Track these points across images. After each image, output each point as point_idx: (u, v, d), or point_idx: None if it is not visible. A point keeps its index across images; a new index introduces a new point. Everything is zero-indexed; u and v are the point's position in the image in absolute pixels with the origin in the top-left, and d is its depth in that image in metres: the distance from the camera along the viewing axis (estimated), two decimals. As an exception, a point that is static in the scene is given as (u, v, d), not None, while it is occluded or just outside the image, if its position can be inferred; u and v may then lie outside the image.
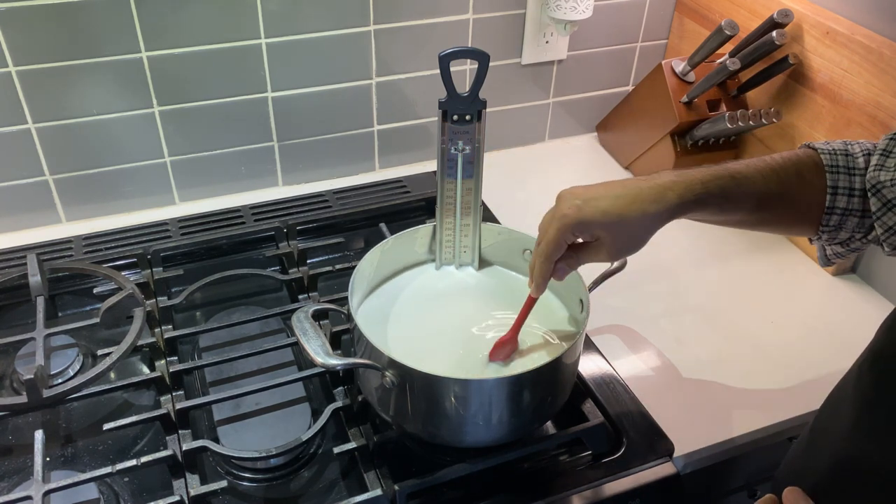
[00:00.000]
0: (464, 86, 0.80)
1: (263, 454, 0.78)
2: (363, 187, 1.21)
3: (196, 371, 0.90)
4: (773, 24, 1.08)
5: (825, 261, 0.82)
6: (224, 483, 0.76)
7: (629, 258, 0.85)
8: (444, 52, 0.76)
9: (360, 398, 0.84)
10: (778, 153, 0.76)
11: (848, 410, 0.62)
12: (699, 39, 1.16)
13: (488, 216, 1.16)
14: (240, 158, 1.18)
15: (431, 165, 1.25)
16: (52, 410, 0.87)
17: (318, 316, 0.78)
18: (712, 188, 0.72)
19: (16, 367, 0.89)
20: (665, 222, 0.73)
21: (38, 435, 0.79)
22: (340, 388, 0.88)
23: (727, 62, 1.09)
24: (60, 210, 1.13)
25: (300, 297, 1.00)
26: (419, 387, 0.72)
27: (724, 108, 1.17)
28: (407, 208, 1.17)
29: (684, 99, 1.16)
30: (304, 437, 0.79)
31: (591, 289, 0.82)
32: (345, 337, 0.93)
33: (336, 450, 0.79)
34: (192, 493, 0.75)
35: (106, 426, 0.80)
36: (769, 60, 1.11)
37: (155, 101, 1.08)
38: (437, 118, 0.81)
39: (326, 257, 1.10)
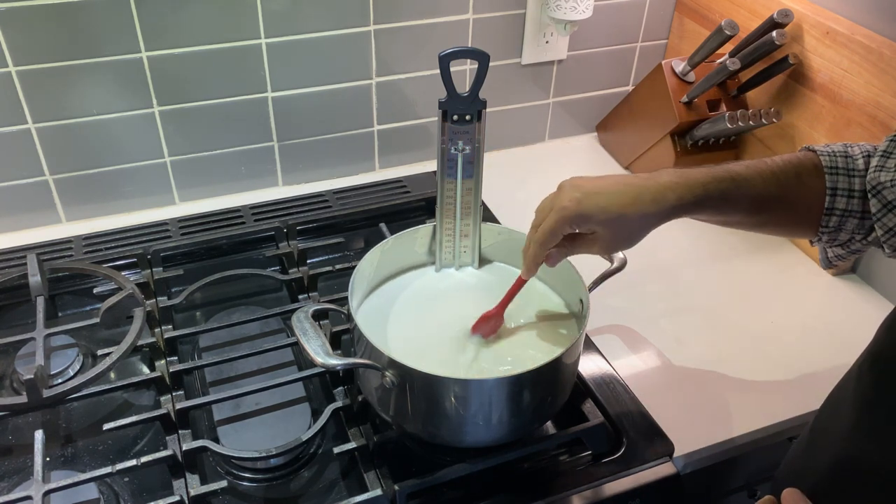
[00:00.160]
0: (464, 86, 0.80)
1: (263, 454, 0.78)
2: (363, 187, 1.21)
3: (196, 371, 0.90)
4: (773, 24, 1.08)
5: (827, 263, 0.82)
6: (224, 483, 0.76)
7: (629, 258, 0.86)
8: (444, 52, 0.76)
9: (360, 398, 0.84)
10: (778, 156, 0.76)
11: (848, 410, 0.62)
12: (699, 39, 1.16)
13: (488, 216, 1.16)
14: (240, 158, 1.18)
15: (431, 165, 1.25)
16: (52, 410, 0.87)
17: (318, 316, 0.78)
18: (712, 190, 0.72)
19: (16, 367, 0.89)
20: (663, 222, 0.73)
21: (38, 435, 0.79)
22: (340, 388, 0.88)
23: (727, 62, 1.09)
24: (60, 210, 1.13)
25: (300, 297, 1.00)
26: (419, 387, 0.72)
27: (724, 108, 1.17)
28: (407, 208, 1.17)
29: (684, 99, 1.16)
30: (304, 437, 0.79)
31: (591, 289, 0.82)
32: (345, 337, 0.93)
33: (336, 450, 0.79)
34: (192, 493, 0.75)
35: (106, 426, 0.80)
36: (769, 60, 1.11)
37: (155, 101, 1.08)
38: (437, 118, 0.81)
39: (326, 257, 1.10)
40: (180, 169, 1.15)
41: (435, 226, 0.88)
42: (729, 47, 1.15)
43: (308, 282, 1.01)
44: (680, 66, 1.18)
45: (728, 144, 1.21)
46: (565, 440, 0.83)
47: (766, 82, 1.12)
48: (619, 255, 0.86)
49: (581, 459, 0.82)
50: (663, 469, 0.82)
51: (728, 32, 1.10)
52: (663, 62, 1.19)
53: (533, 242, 0.75)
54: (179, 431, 0.82)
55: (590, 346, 0.95)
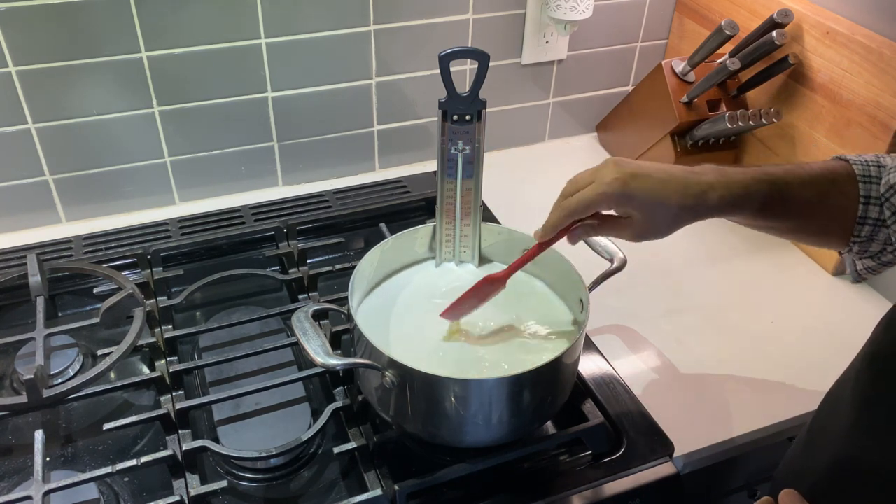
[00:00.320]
0: (464, 86, 0.80)
1: (263, 454, 0.78)
2: (363, 187, 1.21)
3: (196, 371, 0.90)
4: (773, 24, 1.08)
5: (856, 276, 0.81)
6: (224, 483, 0.76)
7: (629, 258, 0.86)
8: (444, 52, 0.76)
9: (360, 398, 0.84)
10: (815, 162, 0.75)
11: (846, 409, 0.62)
12: (699, 39, 1.16)
13: (488, 216, 1.16)
14: (240, 158, 1.18)
15: (431, 165, 1.25)
16: (52, 410, 0.87)
17: (318, 316, 0.78)
18: (753, 192, 0.71)
19: (16, 367, 0.89)
20: (699, 219, 0.72)
21: (38, 435, 0.79)
22: (340, 388, 0.88)
23: (727, 62, 1.09)
24: (60, 210, 1.13)
25: (300, 297, 1.00)
26: (419, 387, 0.72)
27: (724, 108, 1.17)
28: (407, 208, 1.17)
29: (684, 99, 1.16)
30: (304, 437, 0.79)
31: (591, 289, 0.82)
32: (345, 337, 0.93)
33: (336, 450, 0.79)
34: (192, 493, 0.75)
35: (106, 426, 0.80)
36: (769, 60, 1.11)
37: (155, 101, 1.08)
38: (437, 118, 0.81)
39: (326, 257, 1.10)
40: (180, 169, 1.15)
41: (435, 226, 0.88)
42: (729, 47, 1.15)
43: (308, 282, 1.01)
44: (680, 66, 1.18)
45: (728, 144, 1.21)
46: (565, 440, 0.83)
47: (766, 82, 1.12)
48: (619, 254, 0.86)
49: (581, 459, 0.82)
50: (663, 469, 0.82)
51: (728, 32, 1.10)
52: (663, 62, 1.19)
53: (560, 208, 0.72)
54: (179, 431, 0.82)
55: (590, 346, 0.95)
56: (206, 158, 1.16)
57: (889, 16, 0.99)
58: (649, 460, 0.82)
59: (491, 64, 0.77)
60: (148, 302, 0.97)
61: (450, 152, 0.82)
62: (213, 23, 1.05)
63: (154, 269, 1.04)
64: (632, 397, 0.88)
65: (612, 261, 0.86)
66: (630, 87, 1.37)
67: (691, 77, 1.18)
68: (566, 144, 1.38)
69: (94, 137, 1.08)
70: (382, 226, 1.10)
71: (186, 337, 0.94)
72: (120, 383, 0.87)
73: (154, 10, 1.01)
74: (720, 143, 1.21)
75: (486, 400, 0.73)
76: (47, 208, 1.12)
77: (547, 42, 1.25)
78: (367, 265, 0.85)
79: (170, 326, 0.96)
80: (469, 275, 0.90)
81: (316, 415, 0.84)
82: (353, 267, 0.83)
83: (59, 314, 1.01)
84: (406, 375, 0.71)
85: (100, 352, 0.89)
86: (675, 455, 0.83)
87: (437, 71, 0.77)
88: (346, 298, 0.79)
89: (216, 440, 0.81)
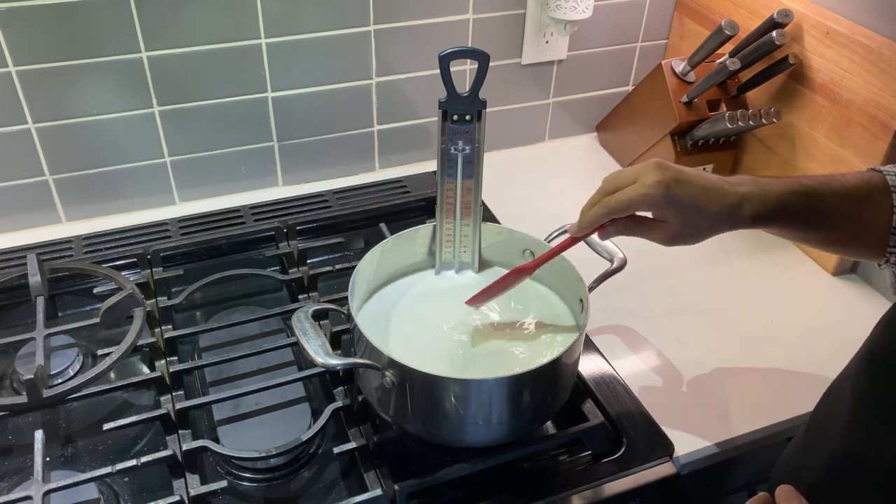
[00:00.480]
0: (464, 86, 0.80)
1: (263, 454, 0.78)
2: (363, 187, 1.21)
3: (196, 371, 0.90)
4: (773, 24, 1.08)
5: None
6: (224, 483, 0.76)
7: (629, 258, 0.86)
8: (444, 52, 0.76)
9: (360, 398, 0.84)
10: (849, 172, 0.74)
11: (845, 408, 0.62)
12: (699, 39, 1.16)
13: (488, 216, 1.16)
14: (240, 158, 1.18)
15: (431, 165, 1.25)
16: (52, 410, 0.87)
17: (318, 316, 0.78)
18: (787, 204, 0.71)
19: (16, 367, 0.89)
20: (732, 230, 0.72)
21: (38, 435, 0.79)
22: (340, 388, 0.88)
23: (727, 62, 1.09)
24: (60, 210, 1.13)
25: (300, 297, 1.00)
26: (419, 387, 0.72)
27: (724, 108, 1.17)
28: (407, 208, 1.17)
29: (684, 99, 1.16)
30: (304, 437, 0.79)
31: (591, 289, 0.82)
32: (345, 337, 0.93)
33: (336, 450, 0.79)
34: (192, 493, 0.75)
35: (106, 426, 0.80)
36: (769, 60, 1.11)
37: (155, 101, 1.08)
38: (437, 118, 0.81)
39: (326, 257, 1.10)
40: (180, 169, 1.15)
41: (435, 226, 0.88)
42: (729, 47, 1.15)
43: (308, 282, 1.01)
44: (680, 66, 1.18)
45: (728, 144, 1.21)
46: (565, 440, 0.83)
47: (766, 82, 1.12)
48: (619, 254, 0.86)
49: (581, 459, 0.82)
50: (663, 469, 0.82)
51: (728, 32, 1.10)
52: (663, 62, 1.19)
53: (600, 206, 0.72)
54: (179, 431, 0.82)
55: (590, 346, 0.95)
56: (206, 158, 1.16)
57: (889, 16, 0.99)
58: (649, 460, 0.82)
59: (491, 64, 0.77)
60: (148, 302, 0.97)
61: (450, 152, 0.82)
62: (213, 23, 1.05)
63: (154, 269, 1.04)
64: (632, 397, 0.88)
65: (612, 261, 0.86)
66: (630, 87, 1.37)
67: (691, 77, 1.18)
68: (566, 144, 1.38)
69: (94, 137, 1.08)
70: (382, 226, 1.10)
71: (186, 337, 0.94)
72: (120, 383, 0.87)
73: (154, 10, 1.01)
74: (720, 143, 1.21)
75: (486, 400, 0.73)
76: (47, 208, 1.12)
77: (547, 42, 1.25)
78: (368, 265, 0.85)
79: (170, 326, 0.96)
80: (469, 281, 0.90)
81: (316, 415, 0.84)
82: (353, 267, 0.83)
83: (59, 314, 1.01)
84: (406, 375, 0.71)
85: (100, 352, 0.89)
86: (675, 455, 0.83)
87: (437, 71, 0.77)
88: (346, 298, 0.79)
89: (216, 440, 0.81)
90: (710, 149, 1.21)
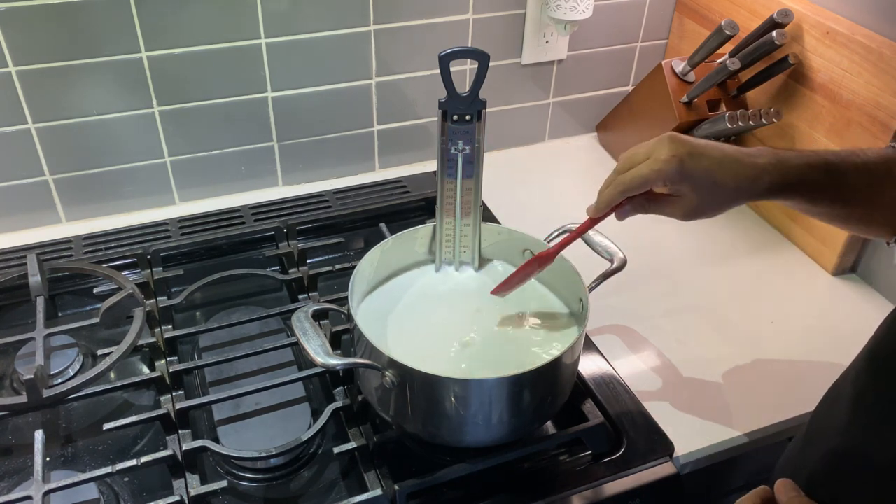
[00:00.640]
0: (464, 86, 0.80)
1: (263, 454, 0.78)
2: (363, 187, 1.21)
3: (196, 371, 0.90)
4: (773, 24, 1.08)
5: None
6: (224, 483, 0.76)
7: (629, 258, 0.86)
8: (444, 52, 0.76)
9: (360, 398, 0.84)
10: (870, 148, 0.74)
11: (845, 406, 0.62)
12: (699, 39, 1.16)
13: (488, 216, 1.16)
14: (240, 158, 1.18)
15: (431, 165, 1.25)
16: (52, 410, 0.87)
17: (318, 316, 0.78)
18: (806, 177, 0.70)
19: (16, 367, 0.89)
20: (750, 201, 0.72)
21: (38, 435, 0.79)
22: (340, 388, 0.88)
23: (727, 62, 1.09)
24: (60, 210, 1.13)
25: (300, 297, 1.00)
26: (419, 387, 0.72)
27: (724, 108, 1.17)
28: (407, 208, 1.17)
29: (684, 99, 1.16)
30: (304, 437, 0.79)
31: (591, 289, 0.82)
32: (345, 337, 0.93)
33: (336, 450, 0.79)
34: (192, 493, 0.75)
35: (106, 426, 0.80)
36: (769, 60, 1.11)
37: (155, 101, 1.08)
38: (437, 118, 0.81)
39: (326, 257, 1.10)
40: (180, 169, 1.15)
41: (435, 226, 0.88)
42: (729, 47, 1.15)
43: (308, 282, 1.01)
44: (680, 66, 1.18)
45: (728, 144, 1.21)
46: (565, 440, 0.83)
47: (766, 82, 1.12)
48: (619, 254, 0.86)
49: (581, 459, 0.82)
50: (663, 469, 0.82)
51: (728, 32, 1.10)
52: (663, 62, 1.19)
53: (615, 185, 0.72)
54: (179, 431, 0.82)
55: (590, 346, 0.95)
56: (206, 158, 1.16)
57: (889, 16, 0.99)
58: (649, 460, 0.82)
59: (491, 64, 0.77)
60: (148, 302, 0.97)
61: (450, 152, 0.82)
62: (213, 23, 1.05)
63: (154, 269, 1.04)
64: (632, 397, 0.88)
65: (612, 261, 0.86)
66: (630, 87, 1.37)
67: (691, 77, 1.18)
68: (566, 144, 1.38)
69: (94, 137, 1.08)
70: (382, 226, 1.10)
71: (186, 337, 0.94)
72: (120, 383, 0.87)
73: (154, 10, 1.01)
74: (720, 143, 1.21)
75: (486, 400, 0.73)
76: (47, 208, 1.12)
77: (547, 42, 1.25)
78: (367, 265, 0.85)
79: (170, 326, 0.96)
80: (469, 279, 0.90)
81: (316, 415, 0.84)
82: (353, 267, 0.83)
83: (59, 314, 1.01)
84: (406, 375, 0.71)
85: (100, 352, 0.89)
86: (675, 455, 0.83)
87: (437, 71, 0.77)
88: (346, 298, 0.79)
89: (216, 440, 0.81)
90: (710, 149, 1.21)
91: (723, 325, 1.00)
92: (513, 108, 1.31)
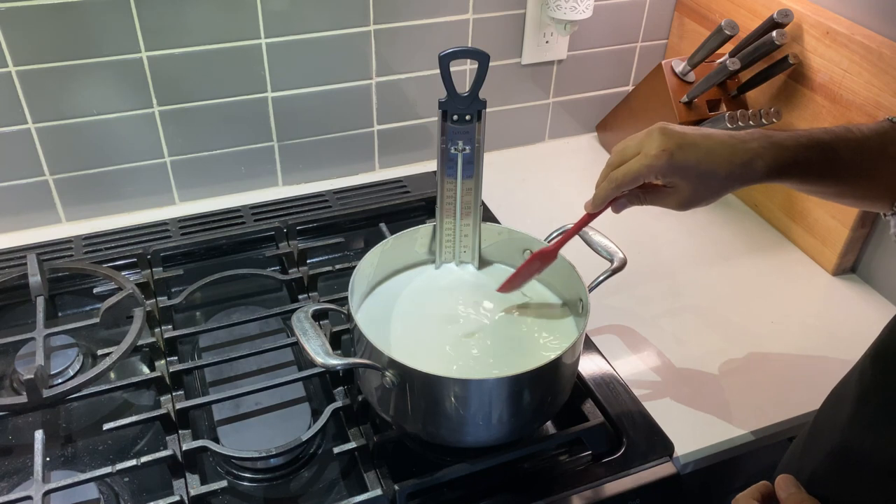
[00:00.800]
0: (464, 86, 0.80)
1: (263, 454, 0.78)
2: (363, 187, 1.21)
3: (196, 371, 0.90)
4: (773, 24, 1.08)
5: None
6: (224, 483, 0.76)
7: (629, 258, 0.86)
8: (444, 52, 0.76)
9: (360, 398, 0.84)
10: (864, 124, 0.74)
11: (848, 404, 0.62)
12: (699, 39, 1.16)
13: (488, 216, 1.16)
14: (240, 158, 1.18)
15: (431, 165, 1.25)
16: (52, 410, 0.87)
17: (318, 316, 0.78)
18: (799, 158, 0.71)
19: (16, 367, 0.89)
20: (744, 186, 0.72)
21: (38, 435, 0.79)
22: (340, 388, 0.88)
23: (727, 62, 1.09)
24: (60, 210, 1.13)
25: (300, 297, 1.00)
26: (419, 387, 0.72)
27: (724, 108, 1.17)
28: (407, 208, 1.17)
29: (684, 99, 1.16)
30: (304, 437, 0.79)
31: (591, 289, 0.82)
32: (345, 337, 0.93)
33: (336, 450, 0.79)
34: (192, 493, 0.75)
35: (106, 426, 0.80)
36: (769, 60, 1.11)
37: (155, 101, 1.08)
38: (437, 118, 0.81)
39: (326, 257, 1.10)
40: (180, 169, 1.15)
41: (435, 226, 0.89)
42: (729, 47, 1.15)
43: (308, 282, 1.01)
44: (680, 66, 1.18)
45: (728, 144, 1.21)
46: (565, 440, 0.83)
47: (766, 82, 1.12)
48: (619, 254, 0.86)
49: (581, 459, 0.82)
50: (663, 469, 0.82)
51: (728, 32, 1.10)
52: (663, 62, 1.19)
53: (608, 181, 0.73)
54: (179, 431, 0.82)
55: (590, 346, 0.95)
56: (206, 158, 1.16)
57: (889, 16, 0.99)
58: (649, 460, 0.82)
59: (491, 64, 0.78)
60: (148, 302, 0.97)
61: (450, 152, 0.83)
62: (213, 23, 1.05)
63: (154, 269, 1.04)
64: (632, 397, 0.88)
65: (612, 261, 0.86)
66: (630, 87, 1.37)
67: (691, 77, 1.18)
68: (566, 144, 1.38)
69: (94, 137, 1.08)
70: (382, 226, 1.10)
71: (186, 337, 0.94)
72: (120, 383, 0.87)
73: (154, 10, 1.01)
74: (720, 143, 1.21)
75: (486, 400, 0.73)
76: (47, 208, 1.12)
77: (547, 42, 1.25)
78: (367, 265, 0.85)
79: (170, 326, 0.96)
80: (469, 276, 0.91)
81: (316, 415, 0.84)
82: (353, 267, 0.83)
83: (59, 314, 1.01)
84: (406, 375, 0.71)
85: (100, 352, 0.89)
86: (675, 455, 0.83)
87: (437, 71, 0.77)
88: (346, 298, 0.79)
89: (216, 440, 0.81)
90: (710, 149, 1.21)
91: (723, 324, 1.00)
92: (513, 108, 1.31)
